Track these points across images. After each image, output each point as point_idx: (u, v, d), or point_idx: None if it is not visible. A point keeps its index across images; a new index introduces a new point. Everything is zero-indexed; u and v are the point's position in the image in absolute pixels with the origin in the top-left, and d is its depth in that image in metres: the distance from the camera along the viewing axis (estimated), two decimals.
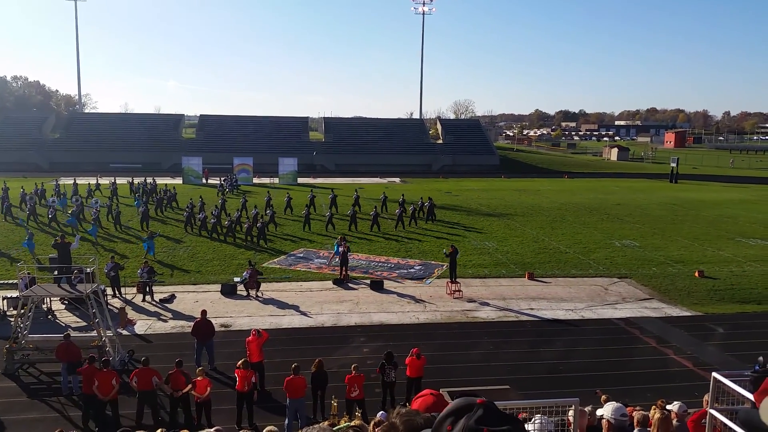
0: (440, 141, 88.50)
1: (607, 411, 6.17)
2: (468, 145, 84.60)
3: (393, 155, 79.12)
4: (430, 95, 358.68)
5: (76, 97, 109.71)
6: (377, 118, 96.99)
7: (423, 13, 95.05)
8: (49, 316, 19.35)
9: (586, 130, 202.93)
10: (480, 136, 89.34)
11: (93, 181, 49.07)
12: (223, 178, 52.07)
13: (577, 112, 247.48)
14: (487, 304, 21.30)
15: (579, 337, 18.52)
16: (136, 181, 47.79)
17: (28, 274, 18.79)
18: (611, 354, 17.08)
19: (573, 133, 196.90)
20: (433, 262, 27.25)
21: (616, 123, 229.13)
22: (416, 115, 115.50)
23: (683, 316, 20.68)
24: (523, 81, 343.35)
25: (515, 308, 20.93)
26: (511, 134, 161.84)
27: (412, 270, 26.04)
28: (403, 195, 40.52)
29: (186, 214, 34.08)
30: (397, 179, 66.32)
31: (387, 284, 23.47)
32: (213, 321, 16.82)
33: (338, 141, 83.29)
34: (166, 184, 47.09)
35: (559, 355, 16.86)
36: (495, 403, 1.58)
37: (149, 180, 47.70)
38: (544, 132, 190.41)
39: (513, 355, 16.90)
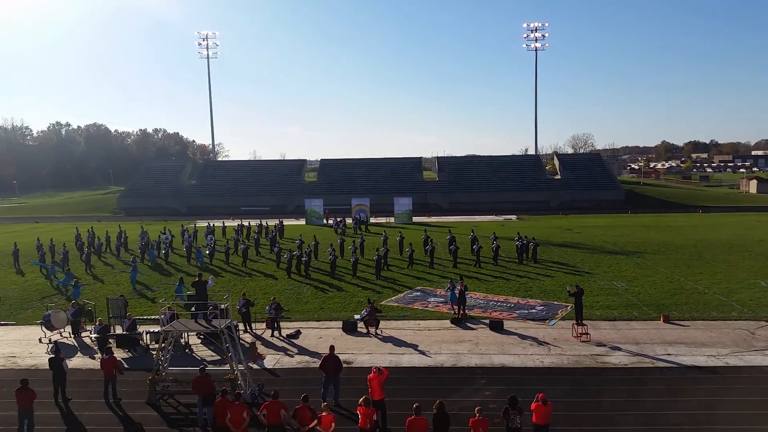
0: (558, 176, 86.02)
1: None
2: (588, 179, 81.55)
3: (508, 192, 77.99)
4: (545, 130, 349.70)
5: (210, 146, 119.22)
6: (491, 156, 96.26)
7: (536, 50, 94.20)
8: (187, 350, 20.71)
9: (720, 162, 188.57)
10: (601, 170, 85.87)
11: (220, 222, 52.77)
12: (353, 218, 54.80)
13: (708, 142, 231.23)
14: (619, 349, 19.99)
15: (723, 385, 16.78)
16: (251, 222, 51.01)
17: (170, 309, 20.29)
18: (762, 405, 15.29)
19: (705, 164, 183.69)
20: (556, 302, 26.17)
21: (753, 153, 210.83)
22: (531, 151, 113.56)
23: None
24: (647, 111, 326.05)
25: (650, 353, 19.44)
26: (636, 167, 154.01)
27: (533, 311, 25.15)
28: (473, 231, 39.50)
29: (293, 254, 34.21)
30: (513, 216, 65.04)
31: (507, 325, 22.80)
32: None
33: (452, 179, 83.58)
34: (266, 223, 49.47)
35: (702, 405, 15.36)
36: None
37: (246, 222, 50.59)
38: (673, 164, 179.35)
39: (649, 404, 15.62)
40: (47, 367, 17.21)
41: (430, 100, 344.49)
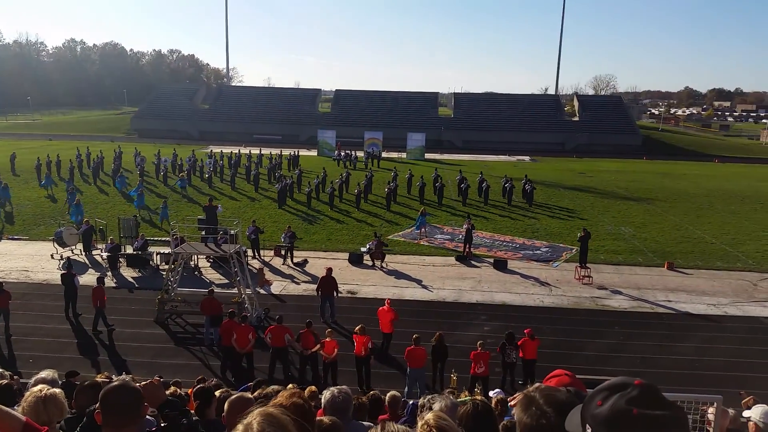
0: (576, 118, 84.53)
1: (755, 413, 5.63)
2: (607, 123, 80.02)
3: (524, 132, 76.79)
4: (567, 70, 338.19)
5: (224, 70, 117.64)
6: (509, 94, 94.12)
7: None
8: (196, 273, 21.20)
9: (743, 111, 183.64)
10: (621, 114, 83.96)
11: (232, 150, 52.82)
12: (364, 151, 54.80)
13: (732, 90, 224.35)
14: (620, 293, 20.26)
15: (720, 333, 17.09)
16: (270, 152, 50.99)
17: (179, 233, 20.64)
18: (757, 354, 15.61)
19: (727, 113, 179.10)
20: (561, 245, 26.32)
21: None
22: (551, 91, 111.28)
23: None
24: (672, 55, 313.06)
25: (650, 299, 19.71)
26: (657, 113, 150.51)
27: (538, 252, 25.35)
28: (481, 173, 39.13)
29: (279, 186, 34.00)
30: (526, 158, 64.48)
31: (511, 264, 23.08)
32: (340, 287, 17.67)
33: (467, 117, 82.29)
34: (271, 153, 49.69)
35: (697, 352, 15.71)
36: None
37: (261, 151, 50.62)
38: (694, 111, 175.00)
39: (645, 347, 15.99)
40: (59, 282, 17.76)
41: (449, 33, 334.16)
